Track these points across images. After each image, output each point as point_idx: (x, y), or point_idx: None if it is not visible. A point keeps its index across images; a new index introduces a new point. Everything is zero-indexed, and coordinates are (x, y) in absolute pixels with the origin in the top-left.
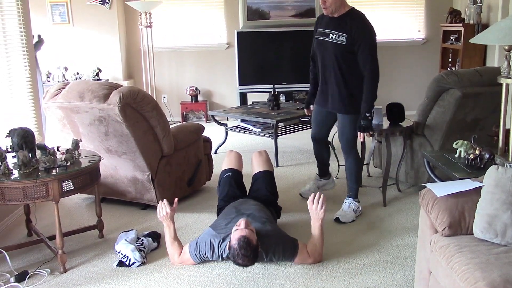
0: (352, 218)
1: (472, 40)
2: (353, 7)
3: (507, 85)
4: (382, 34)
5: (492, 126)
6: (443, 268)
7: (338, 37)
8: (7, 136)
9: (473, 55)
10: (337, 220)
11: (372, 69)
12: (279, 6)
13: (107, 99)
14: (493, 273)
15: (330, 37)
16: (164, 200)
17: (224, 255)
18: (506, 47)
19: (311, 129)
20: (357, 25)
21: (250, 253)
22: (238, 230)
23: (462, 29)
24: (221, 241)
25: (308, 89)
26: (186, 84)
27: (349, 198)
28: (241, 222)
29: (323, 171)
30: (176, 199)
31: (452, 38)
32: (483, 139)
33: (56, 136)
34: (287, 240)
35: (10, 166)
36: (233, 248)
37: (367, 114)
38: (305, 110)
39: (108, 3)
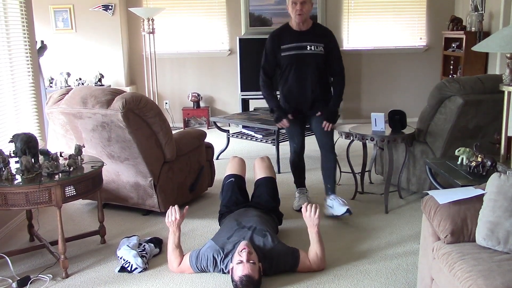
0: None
1: (474, 48)
2: (313, 20)
3: (509, 92)
4: (384, 41)
5: (494, 133)
6: (446, 275)
7: (317, 48)
8: (11, 141)
9: (474, 62)
10: (348, 211)
11: (343, 70)
12: (281, 13)
13: (110, 105)
14: (496, 281)
15: (308, 49)
16: (175, 206)
17: (225, 270)
18: (508, 55)
19: (292, 144)
20: (329, 35)
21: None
22: (240, 266)
23: (464, 36)
24: (223, 256)
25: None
26: (188, 90)
27: (333, 195)
28: (243, 253)
29: (303, 181)
30: (186, 207)
31: (453, 45)
32: (485, 146)
33: (58, 142)
34: (288, 252)
35: (13, 171)
36: (236, 283)
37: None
38: (283, 122)
39: (111, 9)
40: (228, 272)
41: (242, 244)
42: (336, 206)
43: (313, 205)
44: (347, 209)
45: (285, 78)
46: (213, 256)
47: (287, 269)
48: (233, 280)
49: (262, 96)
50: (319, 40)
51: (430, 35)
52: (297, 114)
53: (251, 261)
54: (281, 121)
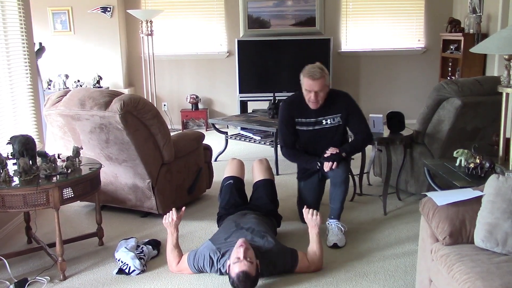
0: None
1: (472, 50)
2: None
3: (507, 94)
4: (382, 43)
5: (493, 135)
6: (444, 277)
7: (334, 120)
8: (8, 143)
9: (472, 64)
10: (335, 246)
11: (368, 131)
12: (280, 15)
13: (108, 107)
14: (494, 282)
15: (324, 123)
16: (173, 208)
17: (222, 270)
18: (506, 57)
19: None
20: (345, 101)
21: (249, 284)
22: (237, 263)
23: (462, 38)
24: (220, 256)
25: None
26: (187, 92)
27: (335, 220)
28: (240, 250)
29: None
30: (183, 208)
31: (452, 47)
32: (483, 148)
33: (56, 144)
34: (287, 253)
35: (11, 173)
36: (232, 279)
37: (343, 154)
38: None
39: (110, 11)
40: (226, 272)
41: (240, 241)
42: (330, 234)
43: (314, 210)
44: (334, 243)
45: (302, 146)
46: (210, 256)
47: (286, 269)
48: (230, 277)
49: (260, 98)
50: (336, 111)
51: (428, 37)
52: (311, 176)
53: (248, 259)
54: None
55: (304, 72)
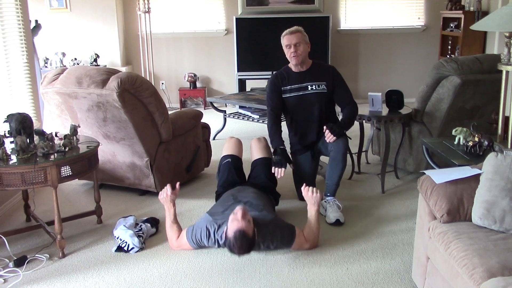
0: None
1: (473, 27)
2: (313, 60)
3: (507, 72)
4: (382, 21)
5: (492, 113)
6: (441, 254)
7: (319, 86)
8: (5, 121)
9: (472, 42)
10: (337, 222)
11: (354, 101)
12: None
13: (105, 85)
14: (491, 260)
15: (309, 89)
16: (168, 184)
17: (220, 242)
18: (507, 34)
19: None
20: (331, 71)
21: (245, 245)
22: (235, 222)
23: (462, 16)
24: (217, 228)
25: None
26: (185, 71)
27: (332, 197)
28: (238, 212)
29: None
30: (178, 183)
31: (451, 25)
32: (482, 126)
33: (54, 122)
34: (284, 227)
35: (8, 152)
36: (229, 239)
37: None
38: (280, 171)
39: None
40: (224, 244)
41: (238, 206)
42: (329, 211)
43: (314, 188)
44: (337, 220)
45: (290, 119)
46: (207, 227)
47: (283, 245)
48: (226, 238)
49: (259, 76)
50: (320, 79)
51: (428, 14)
52: (305, 151)
53: (246, 219)
54: (280, 168)
55: (282, 34)
